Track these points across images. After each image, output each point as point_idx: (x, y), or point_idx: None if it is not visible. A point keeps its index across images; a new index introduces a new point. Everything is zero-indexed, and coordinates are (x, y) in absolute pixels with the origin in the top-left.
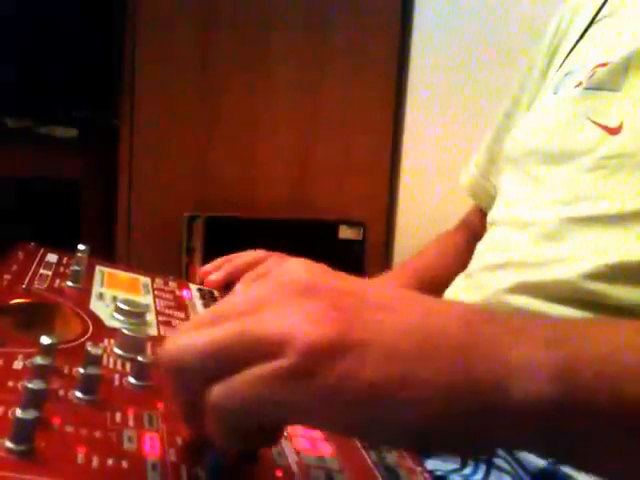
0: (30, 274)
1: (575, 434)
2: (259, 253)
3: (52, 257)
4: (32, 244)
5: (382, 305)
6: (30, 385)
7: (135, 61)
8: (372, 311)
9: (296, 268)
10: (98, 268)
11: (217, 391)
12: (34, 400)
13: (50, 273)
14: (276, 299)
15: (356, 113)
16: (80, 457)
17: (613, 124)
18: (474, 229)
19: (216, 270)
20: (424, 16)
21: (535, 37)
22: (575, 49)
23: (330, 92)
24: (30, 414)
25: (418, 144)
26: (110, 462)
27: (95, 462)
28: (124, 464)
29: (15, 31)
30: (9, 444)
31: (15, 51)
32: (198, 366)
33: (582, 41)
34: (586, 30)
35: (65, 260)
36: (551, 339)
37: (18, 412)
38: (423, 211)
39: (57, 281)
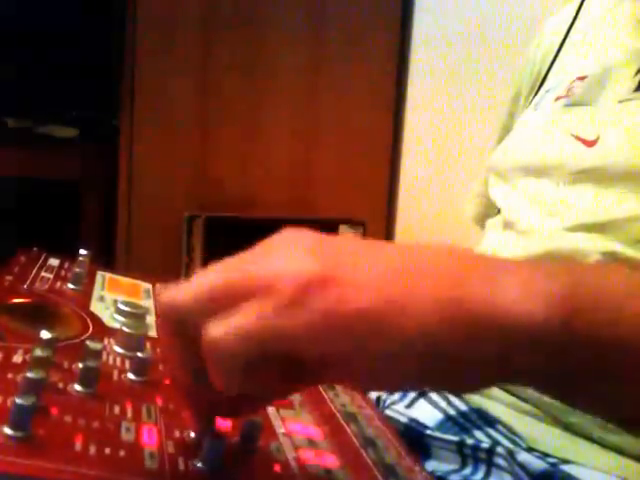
0: (32, 276)
1: (576, 367)
2: None
3: (54, 261)
4: (34, 249)
5: (367, 247)
6: (29, 374)
7: (135, 61)
8: (358, 250)
9: (288, 232)
10: (99, 273)
11: (214, 327)
12: (32, 388)
13: (51, 276)
14: (263, 252)
15: (356, 113)
16: (78, 445)
17: (590, 137)
18: None
19: None
20: (424, 17)
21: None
22: (552, 68)
23: (330, 92)
24: (28, 400)
25: (418, 144)
26: (107, 451)
27: (92, 450)
28: (122, 453)
29: (15, 31)
30: (7, 430)
31: (15, 51)
32: (192, 305)
33: (559, 58)
34: (561, 47)
35: (67, 265)
36: (550, 272)
37: (16, 399)
38: (423, 211)
39: (58, 283)
